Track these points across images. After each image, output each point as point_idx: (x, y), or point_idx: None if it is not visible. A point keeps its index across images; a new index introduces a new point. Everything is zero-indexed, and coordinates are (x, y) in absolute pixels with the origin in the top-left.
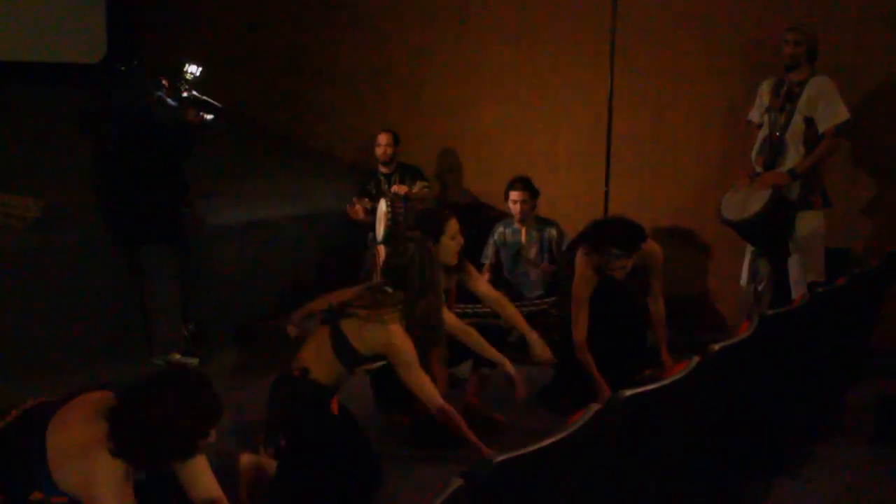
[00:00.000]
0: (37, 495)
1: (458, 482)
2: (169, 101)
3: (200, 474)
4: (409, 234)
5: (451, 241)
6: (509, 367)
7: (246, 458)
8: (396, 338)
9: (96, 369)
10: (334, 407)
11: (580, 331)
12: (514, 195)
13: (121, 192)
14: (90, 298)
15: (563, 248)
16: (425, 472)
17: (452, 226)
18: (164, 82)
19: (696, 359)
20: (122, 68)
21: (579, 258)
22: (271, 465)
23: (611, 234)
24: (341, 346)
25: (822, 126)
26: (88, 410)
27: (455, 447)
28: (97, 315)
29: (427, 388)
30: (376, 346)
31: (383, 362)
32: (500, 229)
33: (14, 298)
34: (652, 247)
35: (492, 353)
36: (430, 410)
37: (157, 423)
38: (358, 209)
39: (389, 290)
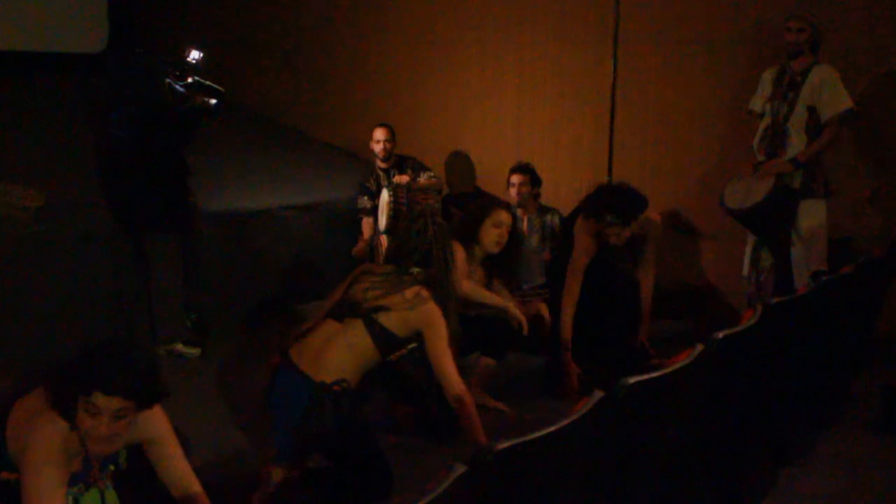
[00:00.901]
0: (5, 475)
1: (461, 468)
2: (177, 86)
3: (175, 462)
4: (420, 210)
5: (494, 228)
6: (513, 309)
7: (277, 473)
8: (437, 315)
9: None
10: None
11: (570, 303)
12: (513, 178)
13: (129, 178)
14: (93, 288)
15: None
16: (429, 462)
17: (499, 214)
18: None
19: (699, 347)
20: (137, 54)
21: (578, 224)
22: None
23: (610, 200)
24: (383, 337)
25: (825, 115)
26: (44, 388)
27: (460, 438)
28: (100, 305)
29: (452, 370)
30: (418, 325)
31: (413, 344)
32: None
33: (16, 288)
34: (652, 217)
35: (497, 301)
36: (449, 393)
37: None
38: (361, 248)
39: (415, 270)
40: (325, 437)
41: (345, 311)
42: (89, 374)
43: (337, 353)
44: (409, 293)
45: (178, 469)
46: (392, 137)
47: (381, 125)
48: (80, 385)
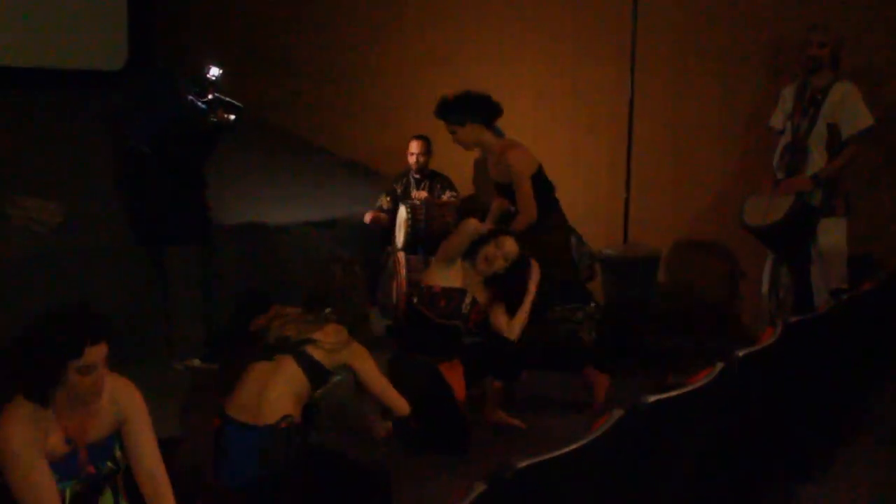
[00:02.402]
0: None
1: (480, 487)
2: (198, 102)
3: (146, 444)
4: (334, 256)
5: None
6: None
7: None
8: (362, 350)
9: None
10: None
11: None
12: None
13: (149, 193)
14: (111, 302)
15: (583, 253)
16: (448, 479)
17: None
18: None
19: (719, 365)
20: (159, 70)
21: None
22: None
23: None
24: (312, 369)
25: (846, 132)
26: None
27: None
28: (118, 319)
29: (393, 392)
30: (347, 361)
31: (339, 377)
32: None
33: (36, 302)
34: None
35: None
36: (396, 413)
37: (26, 339)
38: (369, 216)
39: (328, 310)
40: (288, 476)
41: (273, 351)
42: (75, 335)
43: (275, 392)
44: (329, 330)
45: (148, 453)
46: (426, 151)
47: (418, 137)
48: (70, 351)
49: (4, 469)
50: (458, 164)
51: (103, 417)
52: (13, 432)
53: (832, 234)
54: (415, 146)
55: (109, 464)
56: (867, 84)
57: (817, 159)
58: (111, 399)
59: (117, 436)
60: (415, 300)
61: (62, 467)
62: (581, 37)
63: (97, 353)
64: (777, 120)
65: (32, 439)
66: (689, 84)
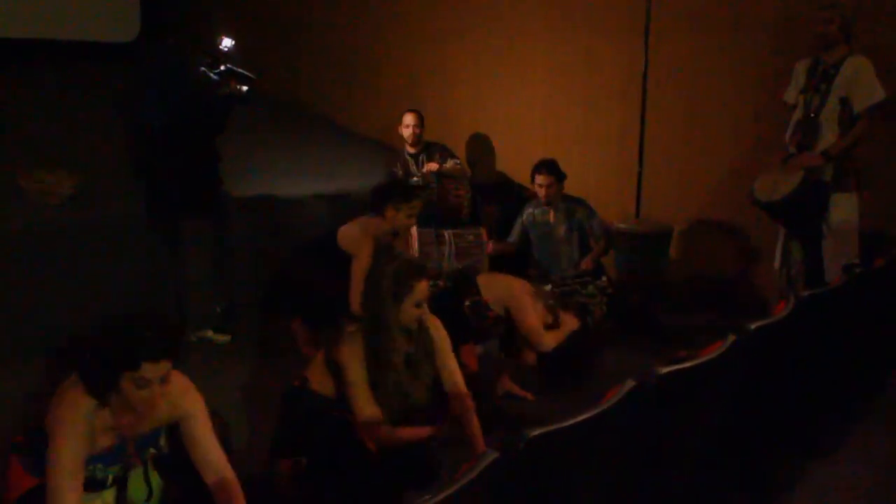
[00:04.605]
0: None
1: (493, 455)
2: (211, 74)
3: (208, 443)
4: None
5: (415, 308)
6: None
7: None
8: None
9: None
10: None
11: None
12: (539, 179)
13: (162, 166)
14: (125, 275)
15: (594, 224)
16: (447, 448)
17: (421, 289)
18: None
19: (731, 338)
20: (171, 42)
21: None
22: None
23: None
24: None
25: (858, 107)
26: (77, 373)
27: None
28: (132, 292)
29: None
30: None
31: None
32: (529, 210)
33: (49, 274)
34: None
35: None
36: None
37: (92, 339)
38: None
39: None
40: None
41: None
42: (131, 349)
43: (312, 361)
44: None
45: (211, 451)
46: (421, 123)
47: (411, 111)
48: (125, 362)
49: (49, 445)
50: (451, 139)
51: (158, 415)
52: (65, 415)
53: (843, 210)
54: (410, 118)
55: (152, 450)
56: (880, 60)
57: (829, 135)
58: (170, 400)
59: (165, 427)
60: (467, 303)
61: (108, 456)
62: (594, 10)
63: (155, 369)
64: (790, 95)
65: (78, 428)
66: (702, 59)
